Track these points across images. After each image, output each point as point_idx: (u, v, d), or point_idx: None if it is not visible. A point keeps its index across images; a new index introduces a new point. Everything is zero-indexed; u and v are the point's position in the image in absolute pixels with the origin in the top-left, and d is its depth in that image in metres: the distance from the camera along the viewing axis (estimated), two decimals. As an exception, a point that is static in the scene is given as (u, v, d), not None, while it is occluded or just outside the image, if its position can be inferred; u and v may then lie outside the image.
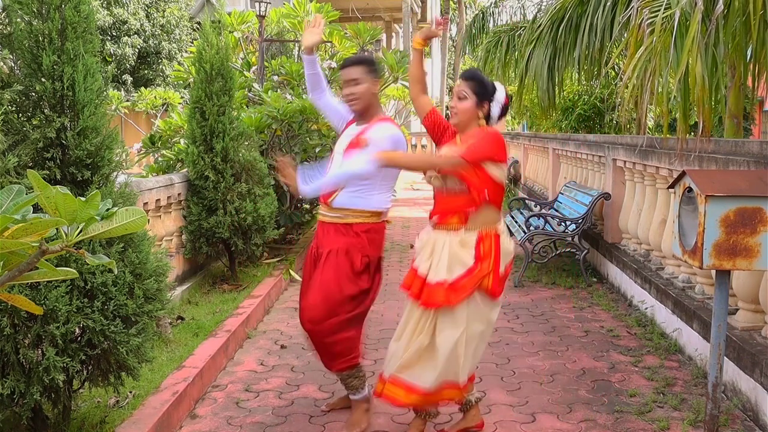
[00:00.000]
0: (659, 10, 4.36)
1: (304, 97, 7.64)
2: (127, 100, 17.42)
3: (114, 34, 19.75)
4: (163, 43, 20.75)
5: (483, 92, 3.07)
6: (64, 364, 2.69)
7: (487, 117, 3.12)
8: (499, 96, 3.11)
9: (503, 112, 3.15)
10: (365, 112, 3.36)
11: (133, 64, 20.35)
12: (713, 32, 4.10)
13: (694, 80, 4.08)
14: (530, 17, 10.46)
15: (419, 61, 3.35)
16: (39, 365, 2.66)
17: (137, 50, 20.23)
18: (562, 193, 7.90)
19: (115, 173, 3.09)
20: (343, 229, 3.31)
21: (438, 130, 3.25)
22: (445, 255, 2.98)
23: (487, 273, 2.96)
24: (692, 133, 4.84)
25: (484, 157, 2.95)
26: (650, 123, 12.37)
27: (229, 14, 9.17)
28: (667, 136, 5.08)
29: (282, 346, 4.72)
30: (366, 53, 9.95)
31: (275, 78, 8.79)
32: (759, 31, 4.36)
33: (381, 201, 3.35)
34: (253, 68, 9.33)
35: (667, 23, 4.22)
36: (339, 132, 3.55)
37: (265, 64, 9.09)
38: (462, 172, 2.96)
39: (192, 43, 18.74)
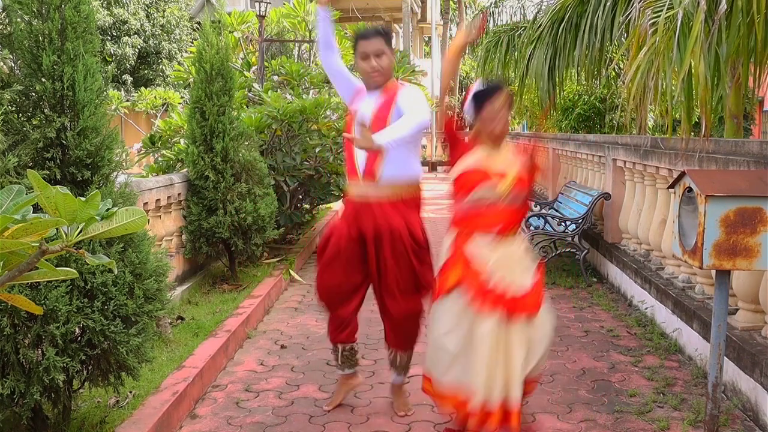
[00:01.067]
0: (662, 10, 4.36)
1: (304, 97, 7.64)
2: (127, 100, 17.43)
3: (114, 34, 19.75)
4: (163, 43, 20.75)
5: (510, 102, 3.08)
6: (64, 364, 2.69)
7: (467, 123, 3.11)
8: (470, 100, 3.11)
9: (476, 107, 3.06)
10: (385, 81, 3.34)
11: (133, 64, 20.35)
12: (716, 32, 4.10)
13: (697, 80, 4.08)
14: (530, 17, 10.45)
15: (453, 71, 3.33)
16: (39, 365, 2.66)
17: (137, 50, 20.23)
18: (562, 193, 7.90)
19: (115, 173, 3.09)
20: (401, 206, 3.28)
21: (456, 143, 3.17)
22: (518, 265, 2.97)
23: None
24: (693, 133, 4.83)
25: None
26: (650, 123, 12.36)
27: (229, 14, 9.18)
28: (670, 136, 5.08)
29: (282, 346, 4.72)
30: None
31: (275, 78, 8.79)
32: (762, 31, 4.36)
33: (420, 168, 3.41)
34: (253, 68, 9.33)
35: (669, 23, 4.22)
36: (348, 101, 3.47)
37: (265, 64, 9.09)
38: (526, 185, 3.03)
39: (192, 43, 18.74)
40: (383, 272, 3.34)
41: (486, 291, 2.90)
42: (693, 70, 4.11)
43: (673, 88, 4.42)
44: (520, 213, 3.06)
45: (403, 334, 3.49)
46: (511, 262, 2.94)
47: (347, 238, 3.36)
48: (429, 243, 3.42)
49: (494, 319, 2.87)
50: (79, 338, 2.84)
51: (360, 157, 3.29)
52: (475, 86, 3.13)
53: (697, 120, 4.84)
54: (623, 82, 4.74)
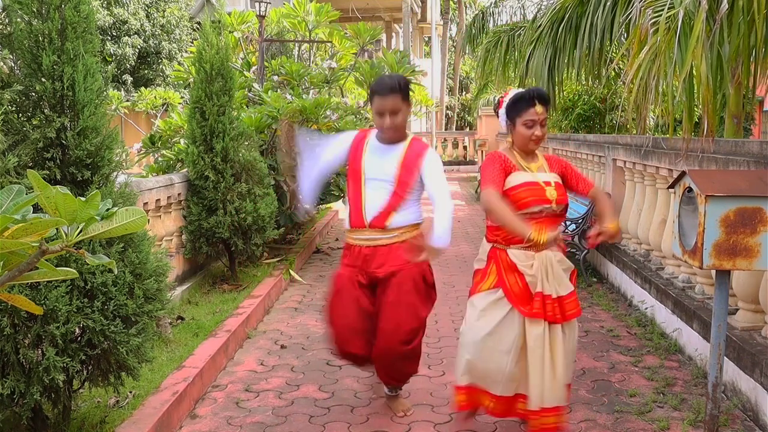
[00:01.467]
0: (663, 10, 4.35)
1: (304, 97, 7.64)
2: (127, 100, 17.42)
3: (114, 34, 19.74)
4: (163, 43, 20.75)
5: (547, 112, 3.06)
6: (64, 364, 2.69)
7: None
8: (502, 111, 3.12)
9: (508, 117, 3.09)
10: (399, 137, 3.35)
11: (133, 64, 20.34)
12: (718, 32, 4.09)
13: (698, 80, 4.08)
14: (530, 17, 10.45)
15: None
16: (39, 365, 2.66)
17: (137, 50, 20.22)
18: (562, 193, 7.89)
19: (115, 173, 3.09)
20: (405, 246, 3.31)
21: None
22: (558, 272, 2.97)
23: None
24: (694, 133, 4.83)
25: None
26: (650, 123, 12.36)
27: (229, 14, 9.18)
28: (671, 136, 5.08)
29: (282, 346, 4.72)
30: (367, 50, 9.94)
31: (275, 78, 8.79)
32: (763, 31, 4.35)
33: (420, 210, 3.42)
34: (253, 68, 9.33)
35: (671, 23, 4.21)
36: (346, 159, 3.42)
37: (265, 64, 9.09)
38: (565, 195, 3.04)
39: (192, 43, 18.75)
40: (384, 311, 3.33)
41: (530, 297, 2.93)
42: (694, 70, 4.11)
43: (675, 88, 4.41)
44: (560, 219, 3.06)
45: (398, 366, 3.44)
46: (550, 270, 2.95)
47: (351, 284, 3.36)
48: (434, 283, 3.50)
49: (541, 324, 2.91)
50: (79, 338, 2.84)
51: (370, 208, 3.28)
52: (510, 94, 3.10)
53: (698, 120, 4.83)
54: (623, 82, 4.74)
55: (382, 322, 3.32)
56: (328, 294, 3.49)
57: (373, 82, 3.41)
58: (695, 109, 4.70)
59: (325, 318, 3.57)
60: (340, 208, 10.90)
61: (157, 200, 5.32)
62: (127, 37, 20.02)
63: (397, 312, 3.28)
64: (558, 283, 2.93)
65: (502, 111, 3.11)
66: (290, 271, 6.70)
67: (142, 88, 18.12)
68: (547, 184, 2.98)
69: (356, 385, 4.00)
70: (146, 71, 21.18)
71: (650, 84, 4.20)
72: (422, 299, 3.36)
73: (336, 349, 3.50)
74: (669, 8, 4.32)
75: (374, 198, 3.27)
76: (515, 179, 2.97)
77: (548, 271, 2.94)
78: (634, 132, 9.63)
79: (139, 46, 20.39)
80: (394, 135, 3.29)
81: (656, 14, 4.39)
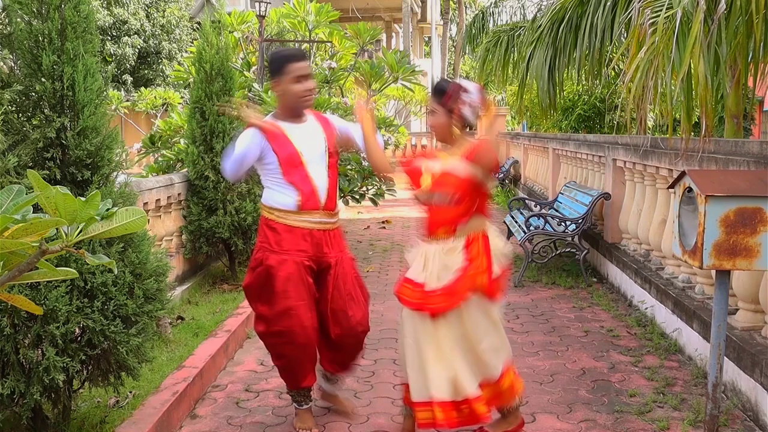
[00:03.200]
0: (661, 10, 4.36)
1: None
2: (127, 100, 17.43)
3: (114, 34, 19.75)
4: (163, 43, 20.76)
5: (446, 102, 3.02)
6: (64, 364, 2.69)
7: (466, 121, 3.07)
8: (467, 97, 3.01)
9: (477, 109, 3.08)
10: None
11: (133, 64, 20.35)
12: (715, 32, 4.09)
13: (696, 80, 4.08)
14: (530, 17, 10.46)
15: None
16: (39, 365, 2.66)
17: (137, 50, 20.23)
18: (562, 193, 7.90)
19: (115, 173, 3.09)
20: (340, 232, 3.38)
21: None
22: (435, 265, 2.98)
23: (481, 271, 2.95)
24: (693, 133, 4.83)
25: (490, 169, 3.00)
26: (650, 123, 12.36)
27: (229, 14, 9.17)
28: (670, 136, 5.08)
29: (282, 346, 4.71)
30: (367, 50, 9.94)
31: (275, 78, 8.78)
32: (761, 31, 4.36)
33: None
34: (253, 68, 9.33)
35: (669, 23, 4.21)
36: (259, 148, 3.22)
37: (265, 64, 9.09)
38: (459, 185, 2.96)
39: (192, 43, 18.74)
40: (337, 290, 3.29)
41: (412, 287, 3.03)
42: (692, 70, 4.11)
43: (673, 87, 4.41)
44: (455, 214, 2.98)
45: (356, 349, 3.46)
46: (432, 263, 3.00)
47: (299, 272, 3.19)
48: None
49: (417, 317, 3.00)
50: (79, 338, 2.84)
51: (322, 189, 3.22)
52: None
53: (697, 120, 4.84)
54: (623, 82, 4.74)
55: (343, 305, 3.29)
56: (267, 281, 3.19)
57: (271, 54, 3.39)
58: (694, 108, 4.70)
59: (265, 308, 3.26)
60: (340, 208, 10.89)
61: (157, 200, 5.32)
62: (127, 37, 20.03)
63: (356, 293, 3.34)
64: (434, 278, 2.97)
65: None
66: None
67: (142, 88, 18.12)
68: (429, 173, 3.05)
69: (356, 385, 4.00)
70: (146, 71, 21.19)
71: (648, 84, 4.20)
72: (362, 281, 3.47)
73: (287, 341, 3.23)
74: (667, 8, 4.32)
75: (320, 178, 3.22)
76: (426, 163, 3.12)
77: (426, 263, 3.02)
78: (634, 132, 9.63)
79: (139, 46, 20.39)
80: (310, 102, 3.27)
81: (655, 14, 4.40)
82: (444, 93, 3.03)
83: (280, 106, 3.32)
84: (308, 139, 3.24)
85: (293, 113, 3.26)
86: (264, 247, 3.22)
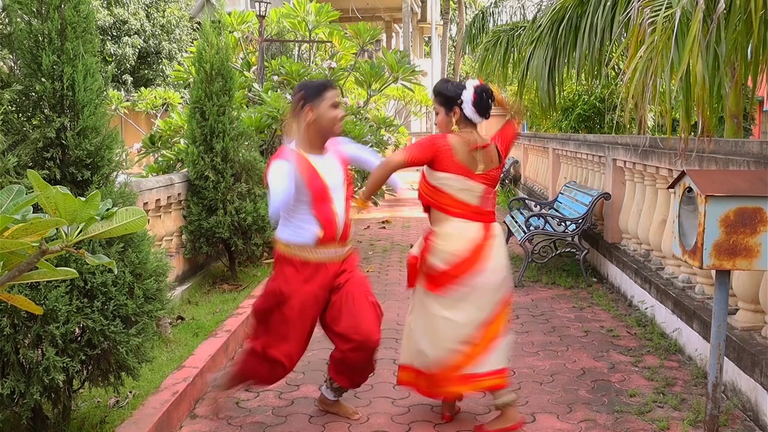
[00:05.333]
0: (660, 9, 4.35)
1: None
2: (127, 100, 17.43)
3: (114, 34, 19.75)
4: (163, 43, 20.76)
5: (446, 101, 3.25)
6: (64, 364, 2.69)
7: (468, 120, 3.26)
8: (467, 95, 3.20)
9: (479, 108, 3.22)
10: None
11: (133, 64, 20.35)
12: (714, 31, 4.09)
13: (695, 79, 4.08)
14: (530, 17, 10.46)
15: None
16: (39, 365, 2.66)
17: (137, 50, 20.23)
18: (562, 193, 7.90)
19: (115, 173, 3.09)
20: (353, 254, 3.41)
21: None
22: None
23: (421, 261, 3.30)
24: (692, 133, 4.83)
25: (411, 163, 3.25)
26: (650, 123, 12.36)
27: (229, 14, 9.17)
28: (669, 136, 5.08)
29: (282, 346, 4.71)
30: (367, 50, 9.94)
31: (275, 78, 8.79)
32: (760, 31, 4.35)
33: None
34: (253, 68, 9.34)
35: (668, 22, 4.21)
36: (295, 180, 3.20)
37: (265, 64, 9.09)
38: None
39: (192, 43, 18.74)
40: (346, 306, 3.27)
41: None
42: (691, 69, 4.11)
43: (672, 87, 4.41)
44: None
45: (367, 365, 3.40)
46: None
47: (314, 302, 3.25)
48: None
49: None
50: (79, 338, 2.84)
51: (341, 221, 3.22)
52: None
53: (696, 120, 4.83)
54: (622, 81, 4.74)
55: (356, 319, 3.24)
56: (278, 309, 3.22)
57: (304, 83, 3.45)
58: (693, 108, 4.70)
59: (267, 334, 3.27)
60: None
61: (157, 200, 5.32)
62: (127, 37, 20.03)
63: (368, 306, 3.30)
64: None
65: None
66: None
67: (142, 88, 18.12)
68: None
69: (356, 385, 4.00)
70: (146, 71, 21.19)
71: (647, 83, 4.20)
72: (374, 299, 3.44)
73: (268, 368, 3.30)
74: (666, 7, 4.32)
75: (340, 209, 3.23)
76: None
77: None
78: (634, 132, 9.63)
79: (139, 46, 20.39)
80: (340, 129, 3.31)
81: (654, 13, 4.39)
82: (443, 93, 3.27)
83: (309, 134, 3.21)
84: (331, 171, 3.24)
85: (320, 142, 3.25)
86: (279, 278, 3.25)
